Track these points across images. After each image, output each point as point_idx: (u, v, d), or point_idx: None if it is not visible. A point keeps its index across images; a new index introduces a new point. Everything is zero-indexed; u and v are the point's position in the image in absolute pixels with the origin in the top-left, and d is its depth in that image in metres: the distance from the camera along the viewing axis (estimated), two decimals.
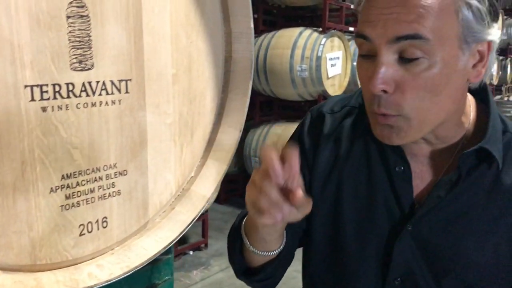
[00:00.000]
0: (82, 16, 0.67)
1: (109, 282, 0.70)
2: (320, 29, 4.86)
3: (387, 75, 0.75)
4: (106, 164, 0.74)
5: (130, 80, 0.75)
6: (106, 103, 0.72)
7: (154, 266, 0.90)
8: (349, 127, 0.94)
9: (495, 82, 8.54)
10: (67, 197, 0.69)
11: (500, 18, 0.79)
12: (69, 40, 0.66)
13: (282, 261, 0.91)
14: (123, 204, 0.77)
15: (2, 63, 0.59)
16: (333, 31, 4.87)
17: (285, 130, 5.13)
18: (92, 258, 0.73)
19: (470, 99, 0.91)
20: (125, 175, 0.77)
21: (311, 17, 5.54)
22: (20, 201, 0.63)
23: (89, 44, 0.68)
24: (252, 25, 0.88)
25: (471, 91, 0.90)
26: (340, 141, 0.93)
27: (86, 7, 0.67)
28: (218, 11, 0.88)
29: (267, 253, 0.86)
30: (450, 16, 0.73)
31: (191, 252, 4.22)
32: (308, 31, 4.97)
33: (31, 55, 0.61)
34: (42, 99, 0.64)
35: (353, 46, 5.26)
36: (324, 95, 4.78)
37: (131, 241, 0.78)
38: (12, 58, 0.60)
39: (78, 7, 0.66)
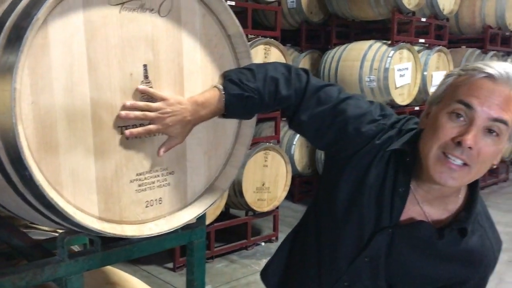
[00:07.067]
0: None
1: (160, 233, 1.27)
2: (389, 42, 5.15)
3: (478, 137, 1.09)
4: (162, 167, 1.30)
5: None
6: (162, 134, 1.28)
7: (193, 230, 1.46)
8: (388, 153, 1.26)
9: None
10: (139, 186, 1.27)
11: None
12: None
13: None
14: (172, 191, 1.33)
15: (109, 113, 1.17)
16: (401, 43, 5.14)
17: None
18: (153, 221, 1.30)
19: None
20: (173, 174, 1.33)
21: (383, 29, 5.83)
22: (114, 186, 1.21)
23: None
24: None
25: None
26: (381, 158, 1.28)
27: (151, 83, 1.24)
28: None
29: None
30: None
31: (262, 243, 4.77)
32: (377, 44, 5.28)
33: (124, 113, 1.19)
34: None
35: (423, 57, 5.48)
36: (392, 104, 5.08)
37: (176, 212, 1.34)
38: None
39: (146, 83, 1.23)
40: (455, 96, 1.13)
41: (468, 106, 1.09)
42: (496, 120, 1.08)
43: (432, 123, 1.16)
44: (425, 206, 1.26)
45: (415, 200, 1.26)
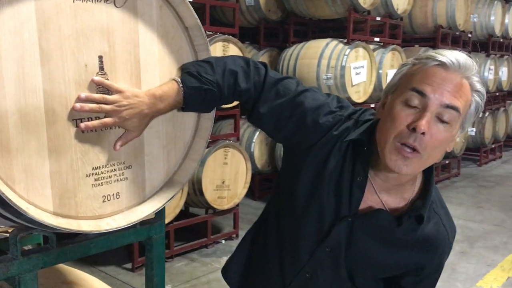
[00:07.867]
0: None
1: (118, 228, 1.24)
2: (346, 40, 5.24)
3: (431, 123, 1.12)
4: (119, 161, 1.28)
5: None
6: (118, 127, 1.26)
7: (152, 225, 1.44)
8: (345, 143, 1.28)
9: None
10: (95, 180, 1.23)
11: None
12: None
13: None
14: (129, 185, 1.31)
15: (62, 113, 1.14)
16: (357, 42, 5.24)
17: None
18: (110, 216, 1.27)
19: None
20: (130, 168, 1.31)
21: (340, 28, 5.93)
22: (69, 181, 1.18)
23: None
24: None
25: None
26: (339, 147, 1.29)
27: (106, 75, 1.21)
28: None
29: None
30: (468, 105, 1.17)
31: (223, 241, 4.76)
32: (334, 42, 5.37)
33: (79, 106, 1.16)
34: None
35: (378, 56, 5.60)
36: (349, 101, 5.16)
37: (134, 207, 1.32)
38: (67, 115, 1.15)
39: (101, 75, 1.20)
40: (409, 84, 1.16)
41: (421, 93, 1.13)
42: (448, 106, 1.12)
43: (388, 112, 1.19)
44: (383, 195, 1.29)
45: (373, 189, 1.29)
